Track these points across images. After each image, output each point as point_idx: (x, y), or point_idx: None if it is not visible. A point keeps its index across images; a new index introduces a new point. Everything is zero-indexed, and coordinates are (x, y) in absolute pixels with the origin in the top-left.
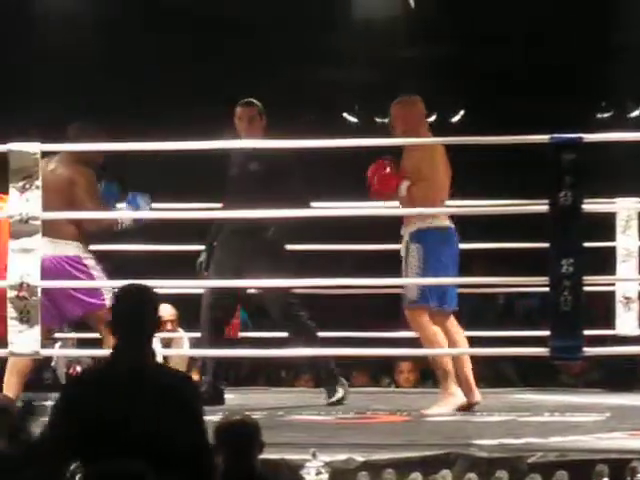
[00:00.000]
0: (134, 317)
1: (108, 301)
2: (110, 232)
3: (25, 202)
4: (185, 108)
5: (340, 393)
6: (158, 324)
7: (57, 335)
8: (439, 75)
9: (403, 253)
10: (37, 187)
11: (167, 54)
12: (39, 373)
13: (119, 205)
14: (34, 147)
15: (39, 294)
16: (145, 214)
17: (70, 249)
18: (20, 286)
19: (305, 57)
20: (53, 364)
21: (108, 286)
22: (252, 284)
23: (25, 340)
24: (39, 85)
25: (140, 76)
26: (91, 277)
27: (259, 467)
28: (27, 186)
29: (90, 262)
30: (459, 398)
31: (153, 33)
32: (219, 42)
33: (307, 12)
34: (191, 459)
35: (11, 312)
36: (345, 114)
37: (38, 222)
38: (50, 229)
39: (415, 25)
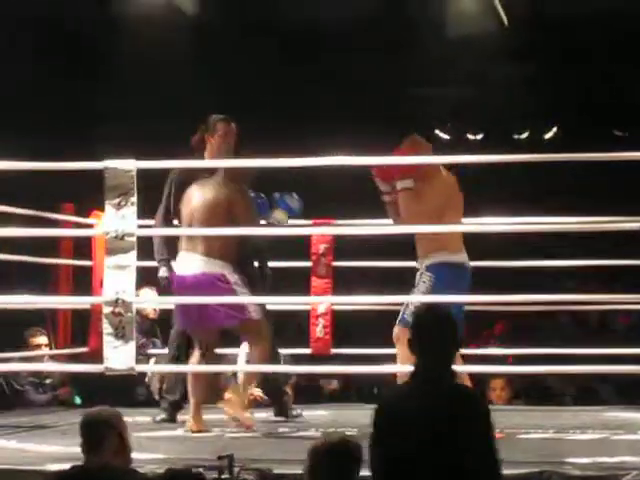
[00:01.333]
0: (436, 335)
1: (254, 314)
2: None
3: (121, 219)
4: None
5: None
6: (459, 344)
7: (151, 351)
8: (531, 92)
9: (416, 282)
10: (132, 204)
11: (258, 63)
12: (133, 389)
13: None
14: (130, 164)
15: (134, 310)
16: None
17: (218, 267)
18: (115, 302)
19: (399, 74)
20: (147, 380)
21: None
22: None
23: (120, 356)
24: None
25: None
26: (234, 293)
27: None
28: (122, 203)
29: (233, 278)
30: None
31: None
32: (315, 55)
33: (402, 29)
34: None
35: (106, 328)
36: (437, 131)
37: (133, 239)
38: (203, 247)
39: (508, 42)
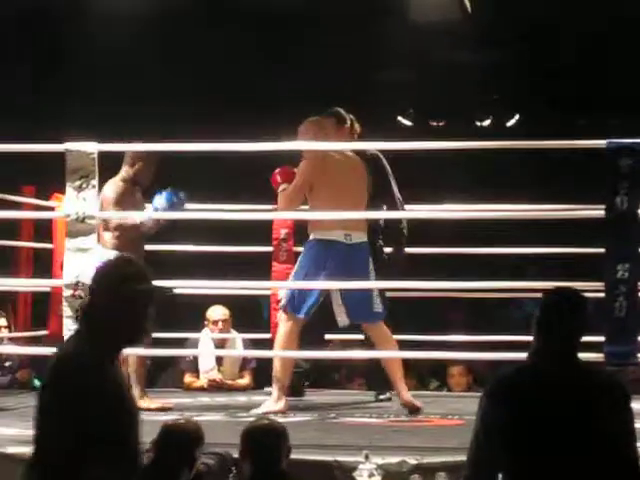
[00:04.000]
0: (564, 319)
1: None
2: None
3: (82, 201)
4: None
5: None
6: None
7: None
8: (494, 79)
9: None
10: (94, 186)
11: (234, 52)
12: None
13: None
14: (91, 147)
15: None
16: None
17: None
18: (76, 285)
19: (362, 60)
20: None
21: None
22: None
23: None
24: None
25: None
26: None
27: (287, 471)
28: (84, 185)
29: None
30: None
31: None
32: (280, 41)
33: (364, 14)
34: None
35: (66, 311)
36: (400, 117)
37: (94, 221)
38: None
39: (471, 29)
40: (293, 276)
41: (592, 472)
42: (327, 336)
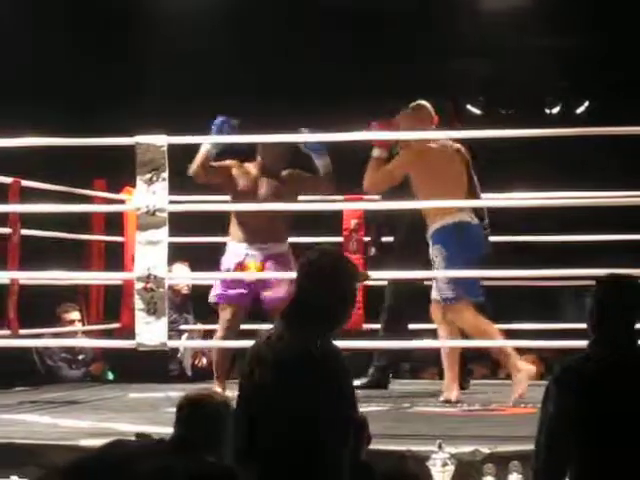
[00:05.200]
0: (620, 307)
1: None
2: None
3: (152, 194)
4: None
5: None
6: None
7: (183, 327)
8: (565, 66)
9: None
10: (164, 179)
11: (308, 49)
12: (165, 364)
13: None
14: (161, 140)
15: (166, 286)
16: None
17: None
18: (147, 278)
19: (432, 47)
20: (179, 356)
21: None
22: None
23: (152, 331)
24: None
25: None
26: None
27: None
28: (154, 178)
29: None
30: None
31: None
32: (345, 35)
33: (434, 3)
34: None
35: (138, 304)
36: (469, 105)
37: (165, 214)
38: None
39: (542, 16)
40: (446, 265)
41: None
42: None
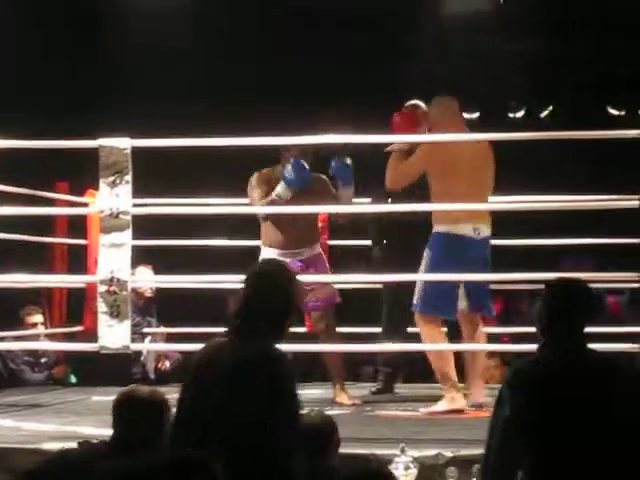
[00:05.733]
0: (569, 310)
1: None
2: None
3: (115, 197)
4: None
5: None
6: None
7: (146, 330)
8: (529, 70)
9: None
10: (127, 182)
11: (275, 50)
12: (128, 368)
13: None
14: (124, 142)
15: (129, 289)
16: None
17: None
18: (110, 281)
19: (396, 50)
20: (142, 359)
21: None
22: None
23: (115, 334)
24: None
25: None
26: None
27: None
28: (117, 181)
29: None
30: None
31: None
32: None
33: (398, 4)
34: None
35: (101, 307)
36: None
37: (128, 217)
38: None
39: (506, 19)
40: (426, 271)
41: (615, 467)
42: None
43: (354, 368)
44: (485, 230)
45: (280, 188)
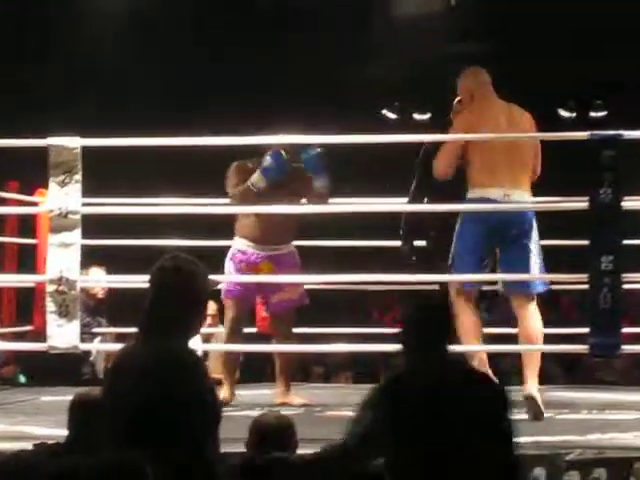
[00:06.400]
0: (429, 324)
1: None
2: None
3: (65, 196)
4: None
5: None
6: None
7: (96, 330)
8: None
9: None
10: (77, 181)
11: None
12: (78, 368)
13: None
14: (74, 142)
15: (78, 289)
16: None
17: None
18: (59, 280)
19: (345, 55)
20: (92, 359)
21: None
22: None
23: (64, 334)
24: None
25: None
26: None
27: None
28: (67, 180)
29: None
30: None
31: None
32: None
33: (346, 10)
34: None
35: (50, 306)
36: (385, 110)
37: (77, 216)
38: None
39: (455, 22)
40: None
41: (470, 474)
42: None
43: (304, 368)
44: (519, 195)
45: (256, 177)
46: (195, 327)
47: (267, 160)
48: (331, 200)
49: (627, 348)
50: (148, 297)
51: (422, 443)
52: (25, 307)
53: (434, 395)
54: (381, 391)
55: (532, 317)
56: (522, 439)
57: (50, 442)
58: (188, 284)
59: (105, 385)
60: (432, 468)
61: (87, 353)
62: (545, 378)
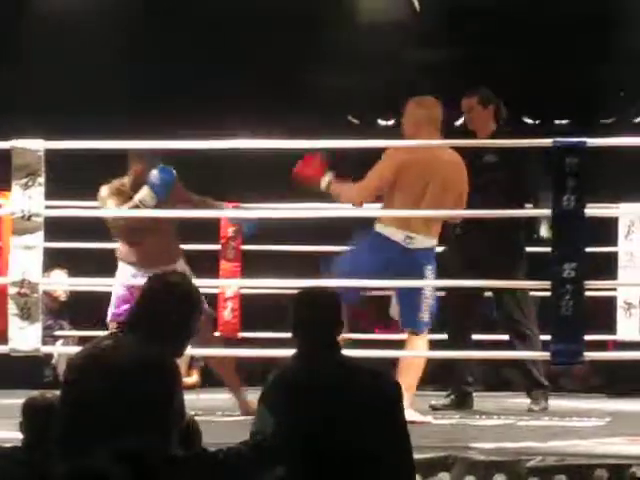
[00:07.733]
0: (317, 320)
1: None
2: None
3: (28, 199)
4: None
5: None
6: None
7: (58, 333)
8: (442, 78)
9: None
10: (40, 184)
11: (170, 52)
12: (39, 370)
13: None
14: (38, 144)
15: (40, 291)
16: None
17: None
18: (21, 283)
19: (308, 59)
20: (54, 361)
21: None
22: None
23: (26, 337)
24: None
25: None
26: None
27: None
28: (30, 183)
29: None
30: None
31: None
32: (223, 41)
33: (311, 14)
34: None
35: (12, 309)
36: (349, 116)
37: (40, 219)
38: None
39: (419, 28)
40: (343, 258)
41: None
42: None
43: (264, 373)
44: (421, 241)
45: (145, 194)
46: (176, 335)
47: (156, 176)
48: (290, 205)
49: (588, 355)
50: (139, 303)
51: (300, 436)
52: None
53: (311, 389)
54: (267, 386)
55: (413, 350)
56: (483, 445)
57: (7, 445)
58: (182, 295)
59: (69, 381)
60: (313, 460)
61: (49, 356)
62: (507, 385)
